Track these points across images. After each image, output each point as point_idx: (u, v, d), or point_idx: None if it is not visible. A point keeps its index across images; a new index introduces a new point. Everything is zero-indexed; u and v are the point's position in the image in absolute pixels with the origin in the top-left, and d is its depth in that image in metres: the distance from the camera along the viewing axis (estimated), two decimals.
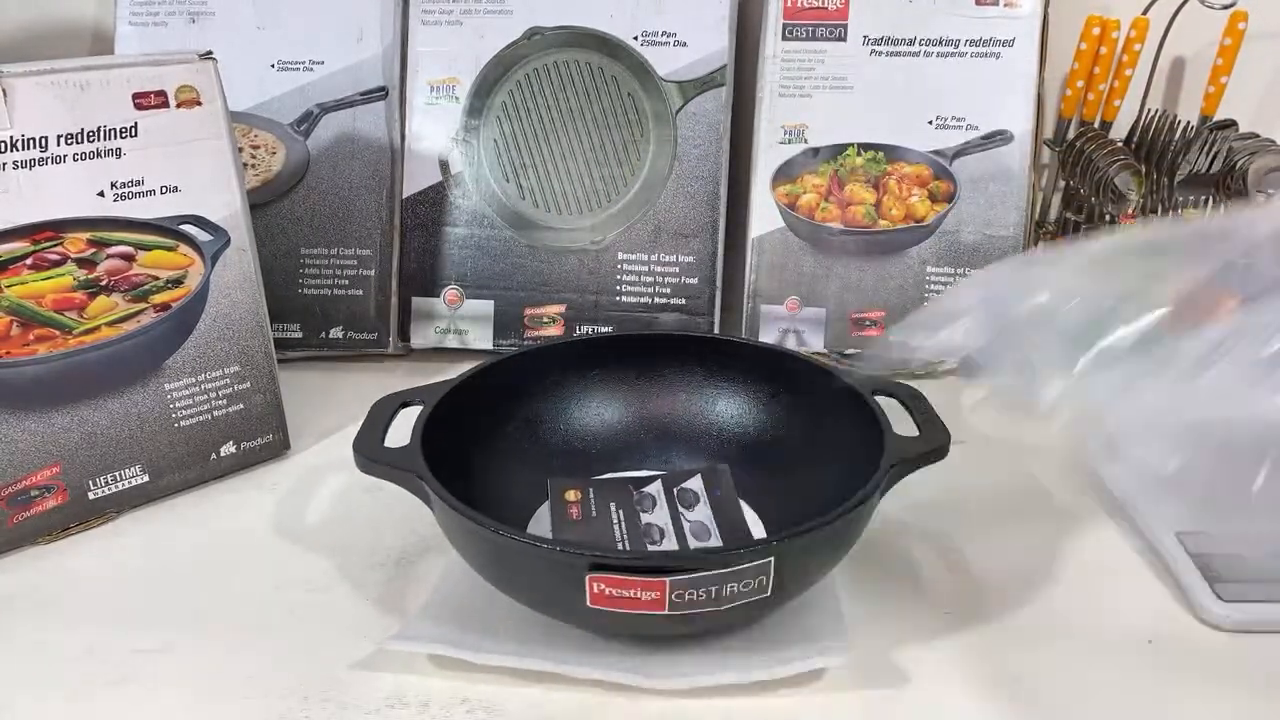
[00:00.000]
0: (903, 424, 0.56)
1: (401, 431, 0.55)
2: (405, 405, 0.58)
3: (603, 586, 0.46)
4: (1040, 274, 0.47)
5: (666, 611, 0.46)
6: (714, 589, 0.46)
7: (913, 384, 0.60)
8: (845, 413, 0.58)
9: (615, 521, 0.59)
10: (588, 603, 0.46)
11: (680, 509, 0.60)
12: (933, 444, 0.54)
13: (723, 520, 0.59)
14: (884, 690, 0.49)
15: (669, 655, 0.50)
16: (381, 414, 0.57)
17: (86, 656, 0.52)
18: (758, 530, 0.60)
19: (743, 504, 0.61)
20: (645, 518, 0.59)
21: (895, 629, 0.53)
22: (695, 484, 0.62)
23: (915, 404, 0.57)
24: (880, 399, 0.58)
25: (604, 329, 0.86)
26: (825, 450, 0.61)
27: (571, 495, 0.60)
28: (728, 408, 0.66)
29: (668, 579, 0.45)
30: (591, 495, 0.61)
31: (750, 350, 0.67)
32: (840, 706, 0.48)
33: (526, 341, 0.87)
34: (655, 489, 0.61)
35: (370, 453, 0.54)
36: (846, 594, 0.55)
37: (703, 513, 0.60)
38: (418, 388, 0.60)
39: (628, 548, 0.57)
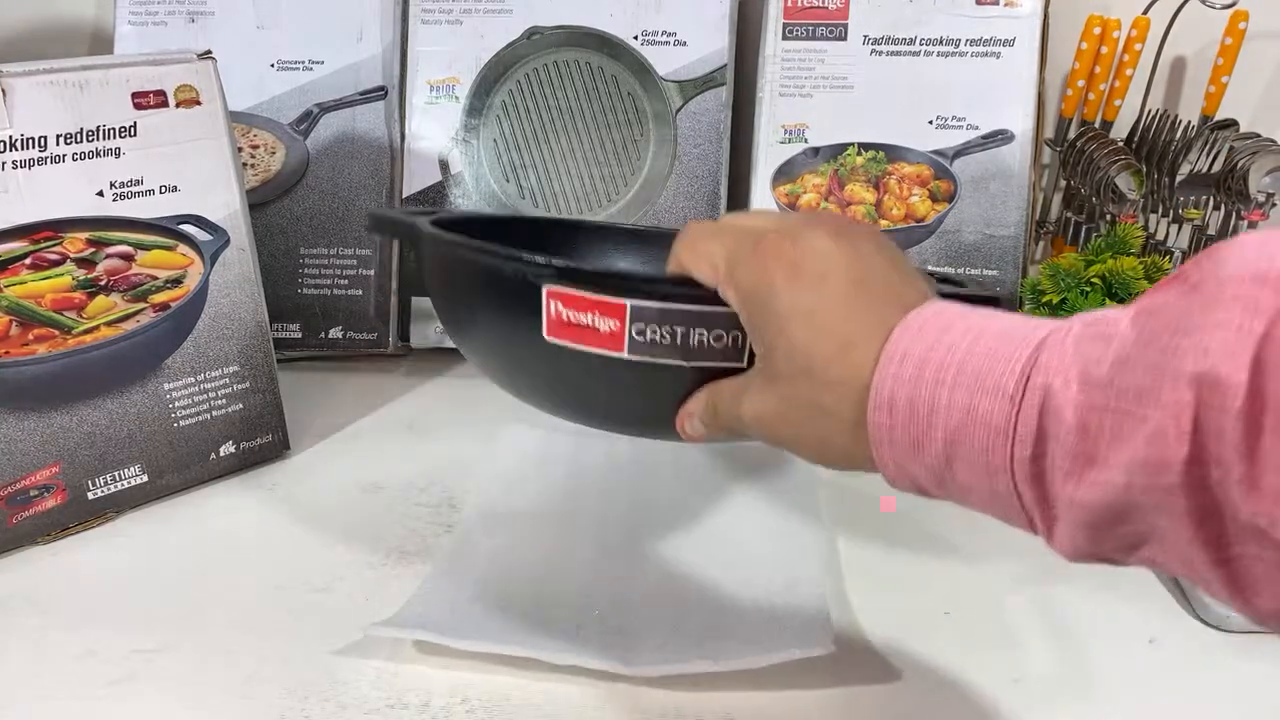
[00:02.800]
0: None
1: None
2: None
3: (559, 307, 0.43)
4: None
5: (626, 353, 0.42)
6: (680, 331, 0.42)
7: None
8: None
9: None
10: (544, 331, 0.43)
11: None
12: (977, 292, 0.51)
13: None
14: (886, 687, 0.49)
15: (651, 642, 0.50)
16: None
17: (86, 656, 0.52)
18: None
19: None
20: None
21: (895, 627, 0.53)
22: None
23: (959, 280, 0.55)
24: None
25: None
26: None
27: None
28: None
29: (629, 302, 0.42)
30: None
31: None
32: (841, 705, 0.48)
33: None
34: None
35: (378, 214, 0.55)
36: (847, 593, 0.55)
37: None
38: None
39: None
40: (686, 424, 0.43)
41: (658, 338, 0.42)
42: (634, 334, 0.42)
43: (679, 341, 0.42)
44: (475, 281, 0.48)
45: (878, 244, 0.39)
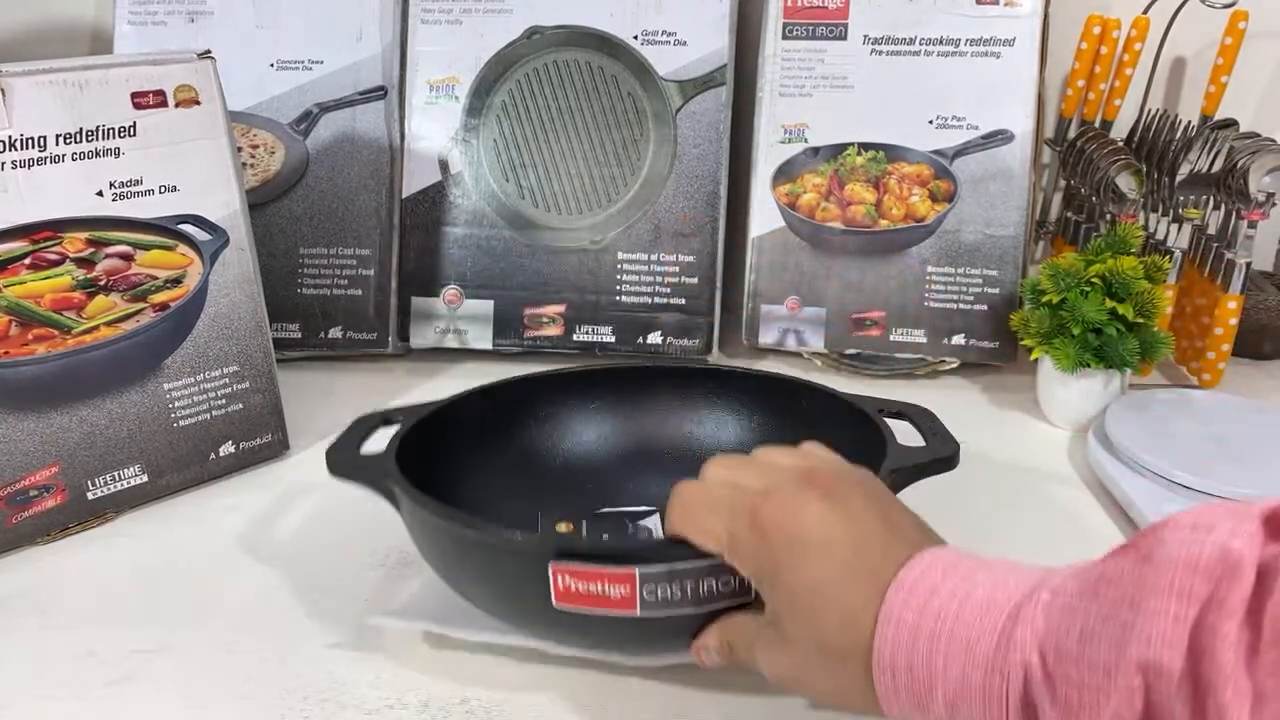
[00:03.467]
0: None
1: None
2: (388, 423, 0.56)
3: (568, 580, 0.43)
4: None
5: (639, 613, 0.43)
6: (690, 585, 0.43)
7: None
8: (849, 431, 0.55)
9: None
10: (554, 600, 0.44)
11: None
12: (937, 454, 0.52)
13: None
14: None
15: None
16: (361, 427, 0.56)
17: (86, 656, 0.52)
18: None
19: None
20: None
21: None
22: None
23: (925, 423, 0.55)
24: (891, 421, 0.56)
25: (604, 329, 0.86)
26: None
27: (564, 528, 0.58)
28: (730, 438, 0.63)
29: (637, 569, 0.43)
30: (584, 529, 0.58)
31: (750, 379, 0.64)
32: None
33: (526, 341, 0.87)
34: (653, 522, 0.59)
35: (342, 457, 0.53)
36: None
37: None
38: (402, 408, 0.58)
39: None
40: (703, 655, 0.45)
41: (669, 594, 0.43)
42: (645, 595, 0.43)
43: (690, 594, 0.44)
44: (472, 554, 0.48)
45: (867, 496, 0.41)
